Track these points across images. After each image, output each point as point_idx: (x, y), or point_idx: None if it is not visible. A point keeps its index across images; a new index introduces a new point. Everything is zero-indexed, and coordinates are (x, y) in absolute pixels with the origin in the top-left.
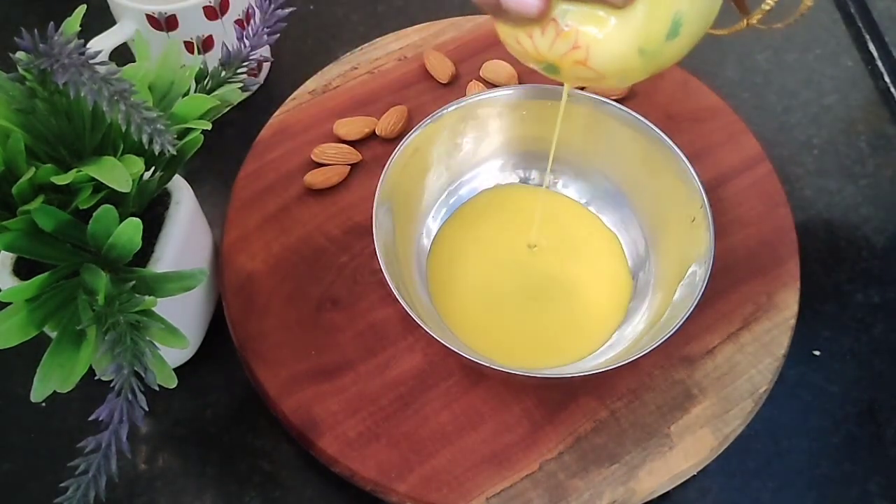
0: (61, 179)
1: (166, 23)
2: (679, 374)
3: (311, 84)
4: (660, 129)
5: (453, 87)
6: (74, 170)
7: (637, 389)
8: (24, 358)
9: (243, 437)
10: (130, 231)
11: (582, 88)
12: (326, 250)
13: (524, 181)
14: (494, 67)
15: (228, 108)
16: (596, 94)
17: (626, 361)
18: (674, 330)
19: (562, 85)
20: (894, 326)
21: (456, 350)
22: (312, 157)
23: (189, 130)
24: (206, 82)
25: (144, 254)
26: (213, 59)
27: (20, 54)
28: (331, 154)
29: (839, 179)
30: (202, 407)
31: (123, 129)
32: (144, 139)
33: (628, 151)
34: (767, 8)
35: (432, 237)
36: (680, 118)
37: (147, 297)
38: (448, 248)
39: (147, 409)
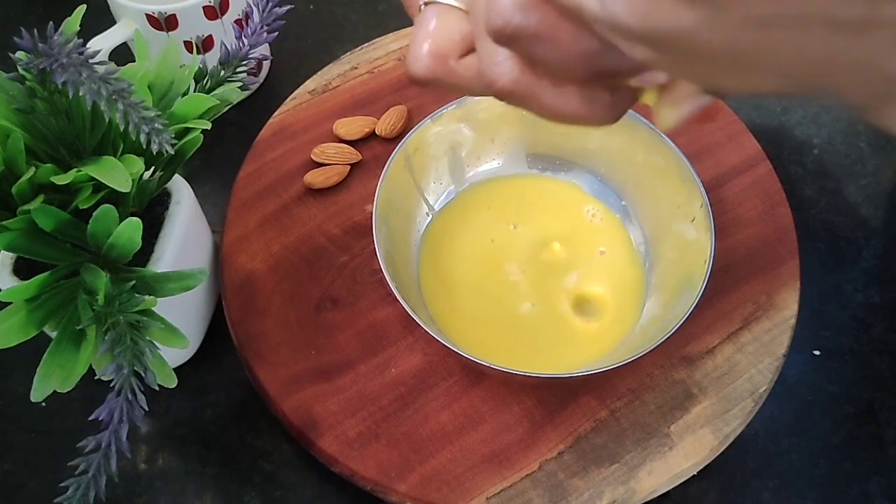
0: (61, 179)
1: (166, 23)
2: (679, 374)
3: (311, 84)
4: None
5: None
6: (74, 170)
7: (637, 389)
8: (24, 358)
9: (243, 437)
10: (130, 231)
11: None
12: (326, 250)
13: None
14: None
15: (228, 108)
16: None
17: (626, 361)
18: (674, 330)
19: None
20: (894, 326)
21: (456, 350)
22: (312, 156)
23: (189, 130)
24: (205, 82)
25: (144, 254)
26: (212, 58)
27: (20, 54)
28: (331, 154)
29: (839, 179)
30: (202, 407)
31: (122, 128)
32: (142, 138)
33: (628, 151)
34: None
35: (433, 236)
36: None
37: (147, 297)
38: (448, 249)
39: (147, 408)
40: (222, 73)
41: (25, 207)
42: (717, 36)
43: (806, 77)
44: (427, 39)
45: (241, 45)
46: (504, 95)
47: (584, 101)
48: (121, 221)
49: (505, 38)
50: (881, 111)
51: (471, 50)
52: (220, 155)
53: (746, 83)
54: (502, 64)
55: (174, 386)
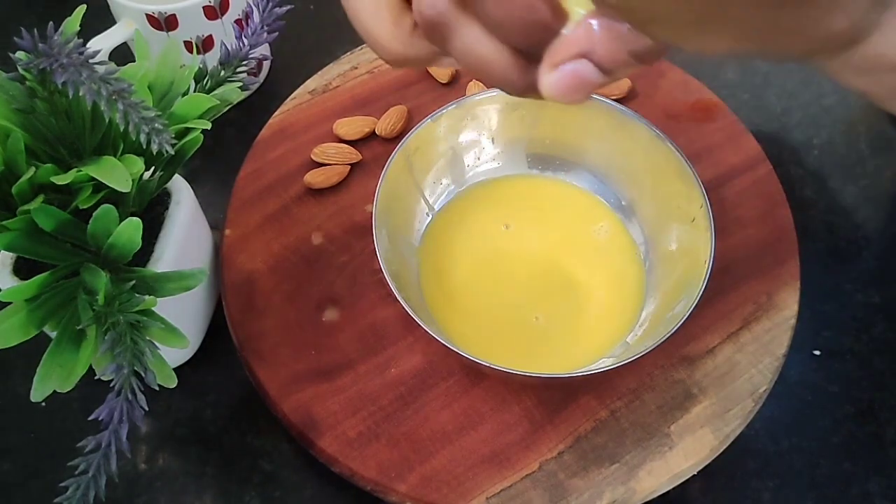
0: (61, 179)
1: (166, 23)
2: (679, 374)
3: (311, 84)
4: (660, 129)
5: (453, 87)
6: (74, 170)
7: (637, 389)
8: (24, 358)
9: (243, 437)
10: (130, 231)
11: None
12: (326, 250)
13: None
14: None
15: (228, 108)
16: (596, 94)
17: (626, 361)
18: (674, 330)
19: None
20: (894, 326)
21: (456, 350)
22: (312, 156)
23: (189, 130)
24: (205, 82)
25: (144, 253)
26: (212, 58)
27: (20, 54)
28: (331, 154)
29: (839, 180)
30: (202, 407)
31: (122, 128)
32: (142, 138)
33: (628, 151)
34: None
35: (433, 236)
36: (680, 118)
37: (147, 297)
38: (448, 249)
39: (147, 408)
40: (222, 73)
41: (25, 207)
42: (685, 9)
43: (755, 39)
44: None
45: (241, 45)
46: (429, 27)
47: (511, 61)
48: (121, 221)
49: None
50: (815, 61)
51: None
52: (220, 155)
53: (704, 45)
54: None
55: (174, 386)
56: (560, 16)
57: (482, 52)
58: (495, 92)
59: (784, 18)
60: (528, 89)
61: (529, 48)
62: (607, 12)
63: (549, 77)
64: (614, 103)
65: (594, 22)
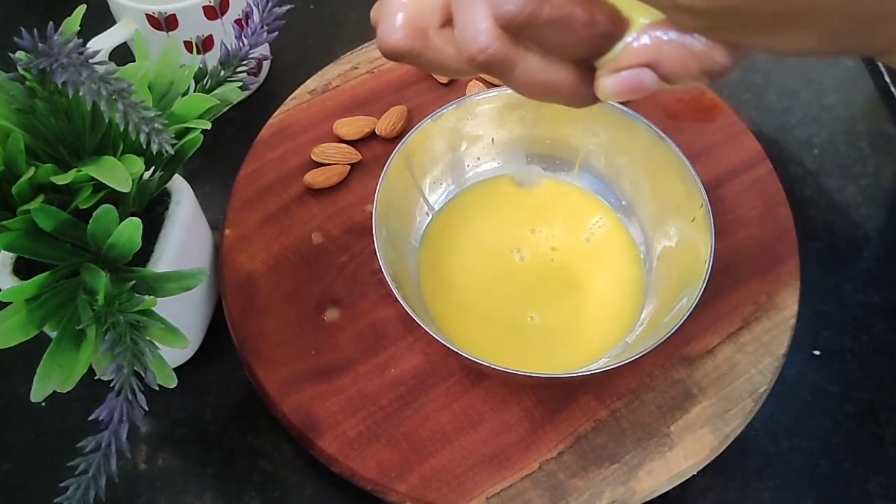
0: (61, 179)
1: (166, 22)
2: (679, 374)
3: (311, 84)
4: (660, 129)
5: (453, 87)
6: (74, 170)
7: (637, 389)
8: (24, 358)
9: (243, 437)
10: (130, 231)
11: None
12: (326, 250)
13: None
14: None
15: (228, 108)
16: None
17: (626, 361)
18: (674, 330)
19: None
20: (894, 326)
21: (456, 350)
22: (312, 156)
23: (189, 130)
24: (205, 82)
25: (144, 253)
26: (212, 58)
27: (20, 54)
28: (331, 154)
29: (839, 179)
30: (202, 407)
31: (122, 128)
32: (142, 138)
33: (628, 151)
34: None
35: (433, 236)
36: (680, 118)
37: (147, 297)
38: (448, 249)
39: (147, 408)
40: (222, 73)
41: (25, 207)
42: (775, 3)
43: (842, 32)
44: (402, 9)
45: (241, 45)
46: (484, 68)
47: (576, 77)
48: (121, 221)
49: (515, 26)
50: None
51: (449, 20)
52: (220, 155)
53: (786, 44)
54: (485, 34)
55: (174, 386)
56: (621, 24)
57: (548, 79)
58: (495, 92)
59: (878, 2)
60: (592, 97)
61: (590, 58)
62: (679, 19)
63: (608, 80)
64: (615, 103)
65: (665, 34)
